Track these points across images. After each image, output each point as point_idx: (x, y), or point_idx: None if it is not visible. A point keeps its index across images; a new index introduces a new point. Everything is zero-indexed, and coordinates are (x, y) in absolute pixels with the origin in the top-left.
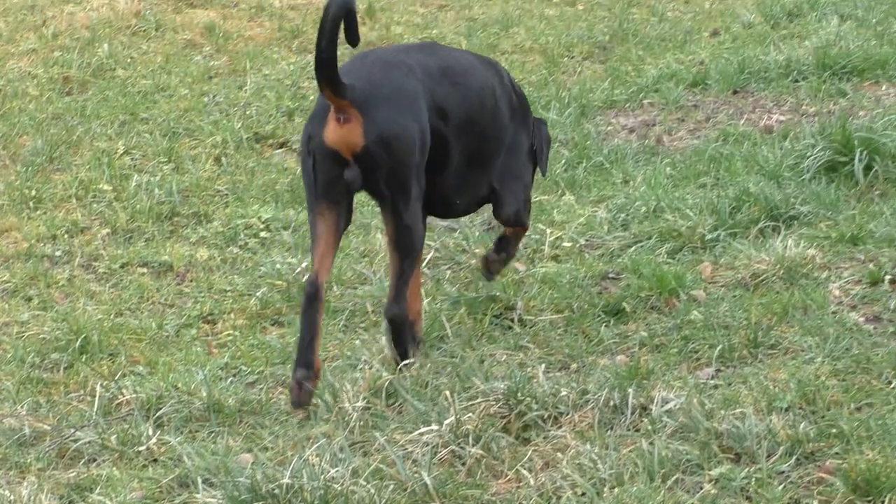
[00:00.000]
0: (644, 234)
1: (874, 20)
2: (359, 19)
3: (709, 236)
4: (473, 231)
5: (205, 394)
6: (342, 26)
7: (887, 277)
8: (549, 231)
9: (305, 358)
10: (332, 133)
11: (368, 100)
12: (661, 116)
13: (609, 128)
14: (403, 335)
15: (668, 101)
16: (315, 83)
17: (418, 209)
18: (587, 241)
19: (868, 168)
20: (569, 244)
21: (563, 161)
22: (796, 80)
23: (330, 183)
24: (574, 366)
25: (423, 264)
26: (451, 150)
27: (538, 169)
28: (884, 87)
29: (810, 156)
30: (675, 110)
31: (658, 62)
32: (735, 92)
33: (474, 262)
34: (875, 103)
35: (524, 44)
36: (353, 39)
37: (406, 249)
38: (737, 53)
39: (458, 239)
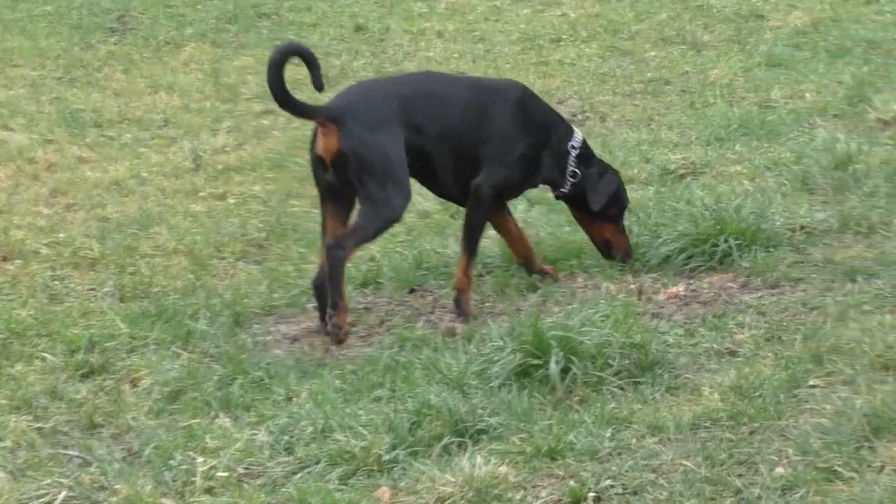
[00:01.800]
0: (312, 458)
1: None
2: None
3: (386, 457)
4: (114, 465)
5: None
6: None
7: (590, 494)
8: (200, 460)
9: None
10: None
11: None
12: None
13: (268, 337)
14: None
15: None
16: None
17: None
18: (246, 469)
19: (565, 371)
20: (224, 474)
21: (215, 378)
22: (481, 275)
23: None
24: None
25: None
26: (431, 154)
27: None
28: (580, 280)
29: (499, 360)
30: None
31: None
32: (412, 291)
33: (114, 499)
34: (570, 297)
35: (167, 245)
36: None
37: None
38: (412, 247)
39: (96, 474)
